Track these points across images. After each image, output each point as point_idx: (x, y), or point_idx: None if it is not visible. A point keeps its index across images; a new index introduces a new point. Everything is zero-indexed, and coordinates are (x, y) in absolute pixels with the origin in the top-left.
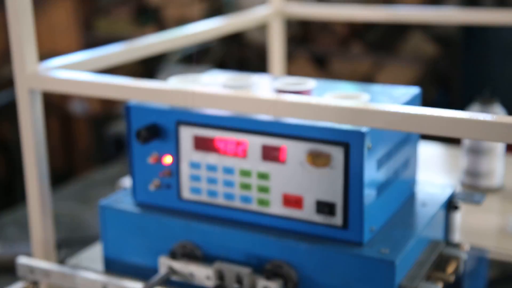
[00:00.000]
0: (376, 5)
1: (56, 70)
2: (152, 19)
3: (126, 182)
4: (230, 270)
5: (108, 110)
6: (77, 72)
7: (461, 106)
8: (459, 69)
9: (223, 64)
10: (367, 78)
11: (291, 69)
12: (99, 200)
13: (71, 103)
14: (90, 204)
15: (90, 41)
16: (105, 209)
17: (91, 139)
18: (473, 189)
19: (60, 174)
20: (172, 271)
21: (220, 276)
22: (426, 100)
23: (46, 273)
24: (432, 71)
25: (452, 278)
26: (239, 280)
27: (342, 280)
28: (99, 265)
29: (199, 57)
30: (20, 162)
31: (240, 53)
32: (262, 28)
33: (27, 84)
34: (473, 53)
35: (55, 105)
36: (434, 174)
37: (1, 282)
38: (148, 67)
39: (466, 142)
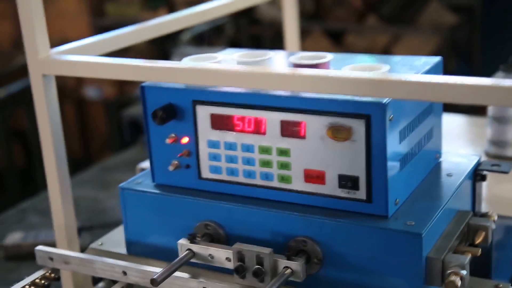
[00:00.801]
0: None
1: (68, 55)
2: (162, 2)
3: (145, 165)
4: (250, 251)
5: (123, 94)
6: (90, 56)
7: (482, 76)
8: (479, 38)
9: (235, 42)
10: (384, 51)
11: (306, 45)
12: (119, 183)
13: (86, 89)
14: (109, 189)
15: (101, 27)
16: (125, 192)
17: (108, 123)
18: (499, 158)
19: (78, 160)
20: (192, 253)
21: (240, 257)
22: (446, 71)
23: (66, 260)
24: (451, 42)
25: (478, 252)
26: (259, 261)
27: (368, 254)
28: (122, 247)
29: (211, 36)
30: (38, 150)
31: (252, 31)
32: (273, 3)
33: (40, 69)
34: (493, 21)
35: (70, 91)
36: (459, 145)
37: (25, 268)
38: (160, 49)
39: (491, 111)
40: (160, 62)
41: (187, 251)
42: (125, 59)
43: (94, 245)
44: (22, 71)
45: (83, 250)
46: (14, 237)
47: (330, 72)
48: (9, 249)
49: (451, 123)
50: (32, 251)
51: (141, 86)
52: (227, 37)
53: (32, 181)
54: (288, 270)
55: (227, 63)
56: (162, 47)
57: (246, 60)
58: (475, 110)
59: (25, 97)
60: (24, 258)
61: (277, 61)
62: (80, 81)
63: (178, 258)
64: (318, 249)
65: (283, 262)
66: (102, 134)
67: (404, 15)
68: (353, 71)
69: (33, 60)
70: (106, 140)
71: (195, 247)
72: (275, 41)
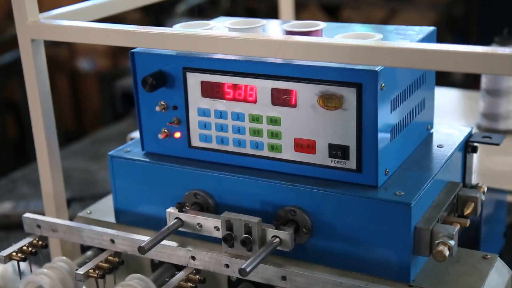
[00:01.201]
0: None
1: (58, 20)
2: None
3: (136, 134)
4: (239, 219)
5: (117, 66)
6: (80, 21)
7: None
8: (475, 14)
9: (231, 15)
10: None
11: (301, 18)
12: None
13: (79, 60)
14: (101, 161)
15: None
16: (114, 160)
17: (101, 96)
18: (491, 131)
19: (71, 133)
20: (180, 222)
21: (229, 226)
22: None
23: (53, 228)
24: (448, 17)
25: (467, 223)
26: (248, 230)
27: (357, 224)
28: (111, 217)
29: (206, 9)
30: (30, 121)
31: (247, 4)
32: None
33: (29, 34)
34: None
35: (63, 63)
36: (452, 119)
37: (15, 238)
38: (154, 21)
39: (484, 84)
40: (150, 28)
41: (176, 220)
42: (114, 25)
43: (82, 213)
44: (15, 42)
45: (72, 219)
46: (4, 207)
47: (322, 39)
48: None
49: (445, 97)
50: (21, 221)
51: (131, 52)
52: (222, 10)
53: (24, 153)
54: (277, 240)
55: (219, 30)
56: (156, 19)
57: (238, 28)
58: (469, 85)
59: (17, 68)
60: (14, 227)
61: (269, 29)
62: (73, 53)
63: (166, 227)
64: (307, 218)
65: (271, 232)
66: (96, 106)
67: None
68: (345, 38)
69: (21, 24)
70: (100, 113)
71: (184, 216)
72: (271, 15)
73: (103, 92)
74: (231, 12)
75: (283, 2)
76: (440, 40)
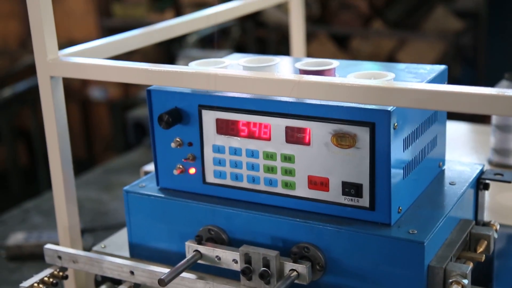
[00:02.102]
0: None
1: (76, 57)
2: (169, 4)
3: (150, 168)
4: (257, 253)
5: (128, 95)
6: (98, 58)
7: (487, 82)
8: (484, 44)
9: (241, 45)
10: (390, 56)
11: (312, 49)
12: (124, 186)
13: (91, 89)
14: (112, 191)
15: (108, 28)
16: (129, 195)
17: (112, 125)
18: (502, 167)
19: (81, 161)
20: (199, 255)
21: (247, 259)
22: (451, 77)
23: (74, 259)
24: (456, 47)
25: (482, 258)
26: (266, 263)
27: (370, 262)
28: (125, 251)
29: (217, 39)
30: (42, 150)
31: (258, 34)
32: (279, 6)
33: (49, 71)
34: (498, 26)
35: (75, 91)
36: (462, 153)
37: (28, 269)
38: (166, 51)
39: (494, 119)
40: (167, 66)
41: (195, 252)
42: (132, 63)
43: (97, 247)
44: (28, 71)
45: (86, 251)
46: (17, 238)
47: (336, 79)
48: (11, 250)
49: (455, 130)
50: (34, 251)
51: (148, 90)
52: (233, 40)
53: (35, 180)
54: (294, 273)
55: (234, 68)
56: (168, 49)
57: (252, 66)
58: (479, 118)
59: (30, 97)
60: (26, 258)
61: (283, 67)
62: (85, 82)
63: (185, 259)
64: (321, 255)
65: (289, 265)
66: (106, 135)
67: (410, 20)
68: (358, 78)
69: (41, 61)
70: (110, 142)
71: (203, 249)
72: (281, 44)
73: (114, 121)
74: (241, 42)
75: (294, 33)
76: (449, 69)
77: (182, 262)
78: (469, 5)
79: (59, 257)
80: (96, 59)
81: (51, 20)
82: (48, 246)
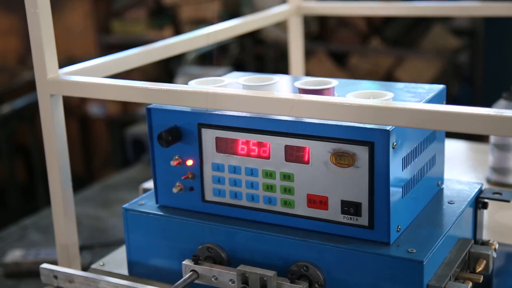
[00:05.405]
0: None
1: (76, 75)
2: (168, 21)
3: (149, 185)
4: (254, 273)
5: (127, 111)
6: (97, 77)
7: (485, 100)
8: (481, 62)
9: (239, 61)
10: (388, 73)
11: (310, 66)
12: (122, 203)
13: (90, 105)
14: (110, 207)
15: (106, 44)
16: (128, 213)
17: (110, 141)
18: (501, 186)
19: (79, 177)
20: (196, 274)
21: (244, 279)
22: (448, 94)
23: (70, 278)
24: (454, 65)
25: (481, 277)
26: (263, 283)
27: (369, 281)
28: (124, 269)
29: (215, 56)
30: (40, 166)
31: (256, 50)
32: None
33: (49, 89)
34: (495, 45)
35: (74, 108)
36: (461, 171)
37: (25, 286)
38: (164, 68)
39: (493, 138)
40: (166, 85)
41: (191, 272)
42: (132, 82)
43: (95, 265)
44: (27, 87)
45: (84, 269)
46: (15, 255)
47: (335, 99)
48: (9, 267)
49: (454, 149)
50: (32, 269)
51: (148, 108)
52: (231, 57)
53: (33, 197)
54: None
55: (233, 87)
56: (166, 66)
57: (252, 85)
58: (477, 136)
59: (29, 113)
60: (24, 276)
61: (282, 86)
62: (84, 98)
63: (182, 279)
64: (320, 274)
65: (286, 286)
66: (105, 151)
67: (408, 38)
68: (357, 98)
69: (42, 80)
70: (108, 158)
71: (200, 268)
72: (279, 61)
73: (113, 137)
74: (240, 59)
75: (293, 51)
76: (446, 88)
77: (179, 282)
78: (466, 23)
79: (55, 277)
80: (95, 77)
81: (51, 39)
82: (44, 265)
